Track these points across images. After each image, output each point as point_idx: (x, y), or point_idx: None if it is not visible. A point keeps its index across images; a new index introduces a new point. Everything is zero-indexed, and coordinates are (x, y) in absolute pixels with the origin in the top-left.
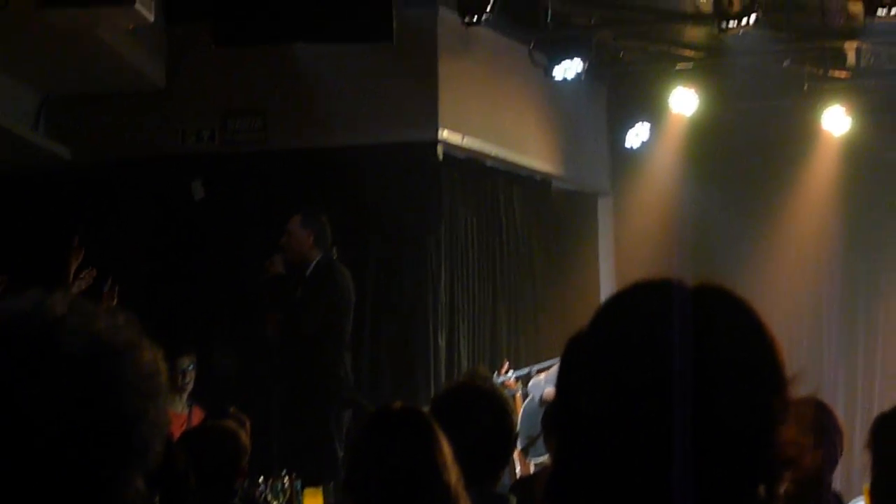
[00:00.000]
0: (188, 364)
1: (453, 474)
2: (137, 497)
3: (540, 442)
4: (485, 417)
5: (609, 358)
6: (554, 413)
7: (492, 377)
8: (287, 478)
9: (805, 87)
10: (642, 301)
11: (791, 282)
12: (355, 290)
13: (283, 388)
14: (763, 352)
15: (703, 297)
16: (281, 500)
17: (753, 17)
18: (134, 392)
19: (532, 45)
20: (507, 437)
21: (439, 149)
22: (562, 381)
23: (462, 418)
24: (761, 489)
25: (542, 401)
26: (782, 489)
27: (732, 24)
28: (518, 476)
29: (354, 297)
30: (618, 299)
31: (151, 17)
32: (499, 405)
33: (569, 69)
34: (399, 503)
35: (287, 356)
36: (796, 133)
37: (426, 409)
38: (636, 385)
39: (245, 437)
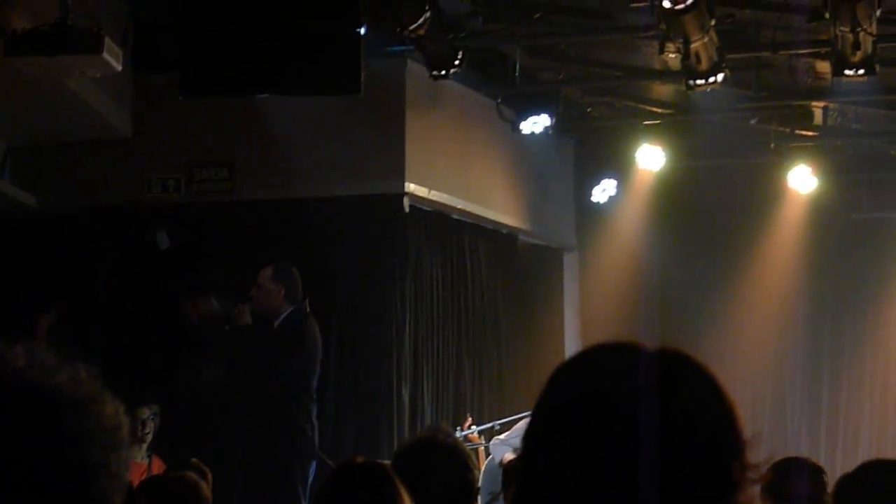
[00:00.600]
0: (148, 414)
1: None
2: None
3: (501, 499)
4: (447, 473)
5: (571, 420)
6: (515, 471)
7: (455, 431)
8: None
9: (772, 146)
10: (605, 363)
11: (756, 339)
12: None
13: (246, 441)
14: (722, 416)
15: (664, 360)
16: None
17: (721, 75)
18: (95, 445)
19: (500, 99)
20: (468, 493)
21: (405, 201)
22: (525, 441)
23: (424, 473)
24: None
25: (501, 462)
26: None
27: (700, 81)
28: None
29: (319, 354)
30: (581, 361)
31: (119, 67)
32: (461, 460)
33: (536, 124)
34: None
35: (251, 410)
36: (763, 191)
37: (388, 462)
38: (598, 447)
39: (206, 489)
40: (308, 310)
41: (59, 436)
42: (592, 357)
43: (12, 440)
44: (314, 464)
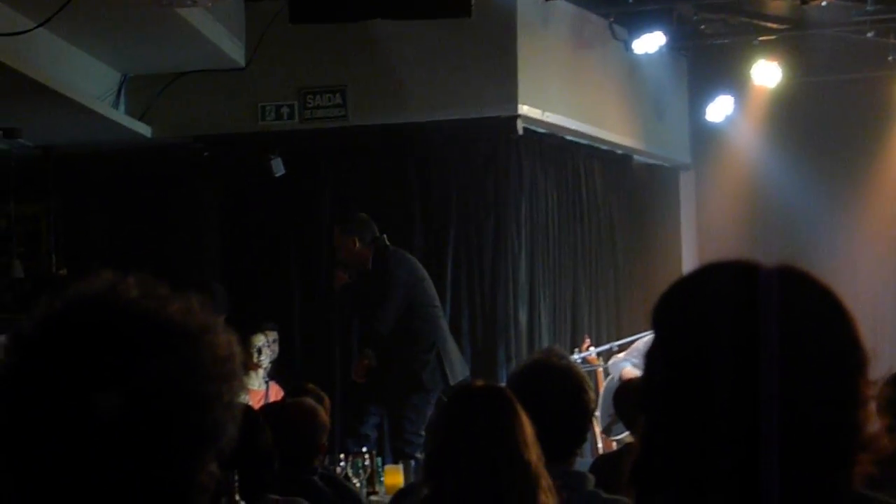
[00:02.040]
0: (264, 341)
1: (534, 452)
2: (211, 481)
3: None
4: (561, 395)
5: (690, 339)
6: (640, 392)
7: (569, 354)
8: (368, 455)
9: (890, 59)
10: (722, 281)
11: (875, 256)
12: (433, 264)
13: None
14: (843, 333)
15: (783, 277)
16: (362, 477)
17: None
18: (207, 375)
19: (612, 18)
20: (583, 415)
21: (519, 124)
22: (648, 361)
23: (538, 396)
24: (842, 471)
25: (620, 377)
26: (862, 471)
27: None
28: (601, 453)
29: (420, 271)
30: (697, 279)
31: None
32: (575, 382)
33: (649, 43)
34: (480, 481)
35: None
36: (881, 105)
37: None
38: (718, 366)
39: (324, 414)
40: (386, 244)
41: (173, 367)
42: (709, 275)
43: (126, 372)
44: (434, 395)
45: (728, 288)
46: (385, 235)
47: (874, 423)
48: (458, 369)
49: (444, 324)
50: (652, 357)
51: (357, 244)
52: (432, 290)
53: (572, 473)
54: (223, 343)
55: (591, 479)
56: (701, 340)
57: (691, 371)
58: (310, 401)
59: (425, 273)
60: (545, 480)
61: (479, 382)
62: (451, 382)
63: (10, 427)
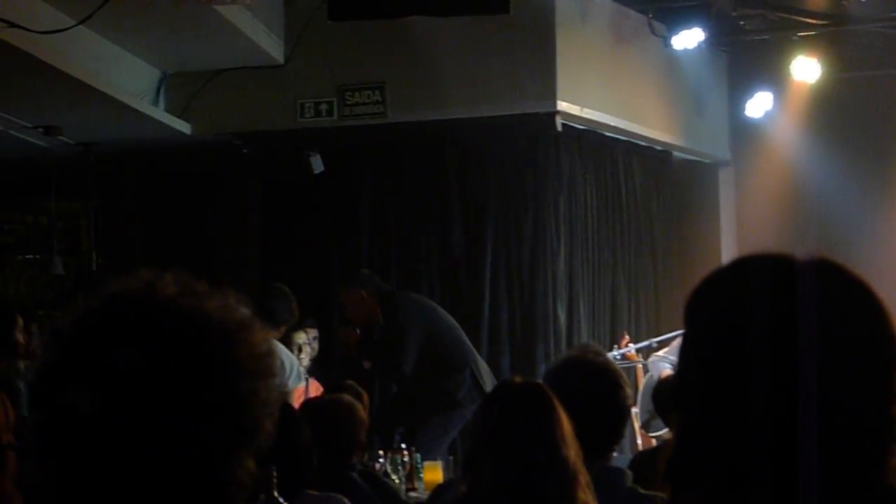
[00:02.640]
0: (305, 339)
1: (573, 449)
2: (248, 477)
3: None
4: (597, 392)
5: (724, 332)
6: (673, 387)
7: (605, 351)
8: (407, 452)
9: None
10: (757, 273)
11: None
12: (472, 261)
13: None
14: (878, 327)
15: (818, 270)
16: (401, 473)
17: None
18: (244, 372)
19: (651, 14)
20: (619, 412)
21: (558, 120)
22: (681, 355)
23: (574, 393)
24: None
25: (659, 378)
26: None
27: None
28: (640, 449)
29: (428, 303)
30: (731, 272)
31: None
32: (611, 379)
33: (688, 39)
34: (519, 478)
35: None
36: None
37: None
38: (753, 359)
39: (362, 411)
40: (393, 292)
41: (210, 364)
42: (743, 268)
43: (163, 369)
44: (470, 410)
45: (763, 280)
46: (392, 292)
47: None
48: (489, 383)
49: (468, 342)
50: (686, 352)
51: (365, 296)
52: (447, 316)
53: (610, 470)
54: (260, 340)
55: (630, 475)
56: (735, 333)
57: (726, 365)
58: (348, 397)
59: (434, 304)
60: (584, 477)
61: (518, 379)
62: None
63: (49, 423)
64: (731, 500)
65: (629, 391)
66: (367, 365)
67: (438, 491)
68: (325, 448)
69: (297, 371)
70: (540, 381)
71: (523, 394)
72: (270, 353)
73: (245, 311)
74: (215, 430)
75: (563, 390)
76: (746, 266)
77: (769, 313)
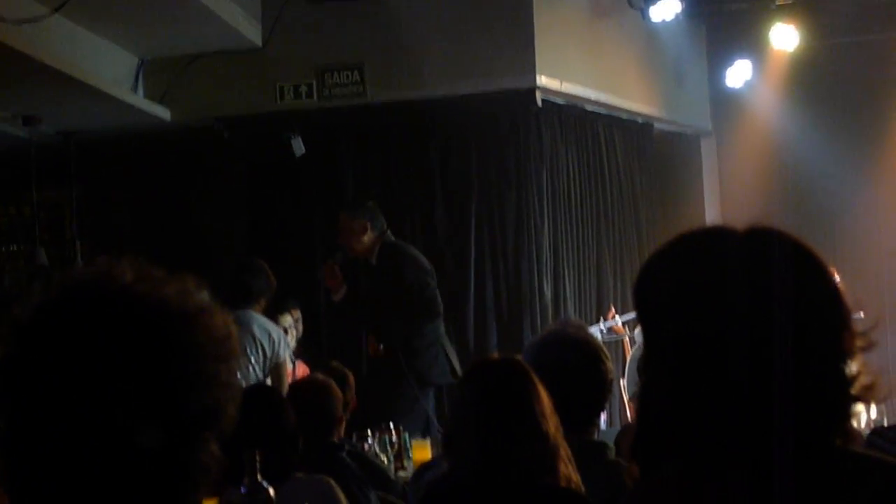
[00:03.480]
0: (290, 321)
1: (552, 423)
2: (213, 461)
3: None
4: (576, 365)
5: (674, 307)
6: (638, 370)
7: (594, 324)
8: (395, 431)
9: None
10: (699, 248)
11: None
12: (456, 239)
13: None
14: (821, 289)
15: (758, 239)
16: (389, 453)
17: None
18: (204, 355)
19: None
20: (600, 385)
21: (538, 95)
22: (644, 325)
23: (553, 367)
24: (839, 428)
25: None
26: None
27: None
28: (629, 421)
29: (429, 265)
30: (675, 248)
31: None
32: (591, 353)
33: (666, 10)
34: (499, 453)
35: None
36: None
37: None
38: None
39: (337, 389)
40: (392, 238)
41: (168, 347)
42: (686, 243)
43: (122, 355)
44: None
45: (707, 254)
46: (389, 232)
47: (868, 375)
48: (456, 362)
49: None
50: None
51: (368, 231)
52: (435, 294)
53: (592, 443)
54: (220, 324)
55: (612, 448)
56: (683, 310)
57: (679, 345)
58: (320, 375)
59: (428, 271)
60: (564, 450)
61: (496, 355)
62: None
63: (11, 413)
64: (708, 475)
65: (610, 365)
66: (336, 297)
67: (422, 469)
68: (305, 428)
69: (285, 342)
70: (519, 357)
71: (500, 369)
72: (230, 337)
73: (204, 295)
74: (177, 413)
75: (543, 365)
76: (688, 242)
77: (718, 286)
